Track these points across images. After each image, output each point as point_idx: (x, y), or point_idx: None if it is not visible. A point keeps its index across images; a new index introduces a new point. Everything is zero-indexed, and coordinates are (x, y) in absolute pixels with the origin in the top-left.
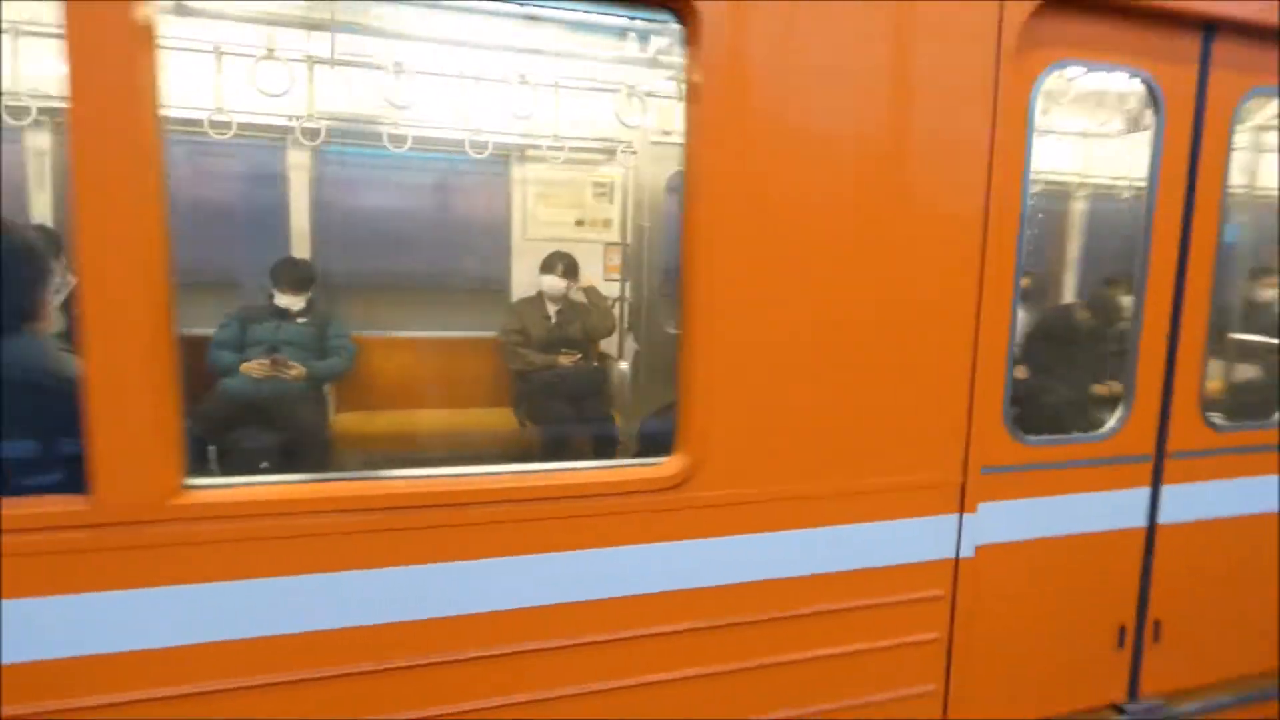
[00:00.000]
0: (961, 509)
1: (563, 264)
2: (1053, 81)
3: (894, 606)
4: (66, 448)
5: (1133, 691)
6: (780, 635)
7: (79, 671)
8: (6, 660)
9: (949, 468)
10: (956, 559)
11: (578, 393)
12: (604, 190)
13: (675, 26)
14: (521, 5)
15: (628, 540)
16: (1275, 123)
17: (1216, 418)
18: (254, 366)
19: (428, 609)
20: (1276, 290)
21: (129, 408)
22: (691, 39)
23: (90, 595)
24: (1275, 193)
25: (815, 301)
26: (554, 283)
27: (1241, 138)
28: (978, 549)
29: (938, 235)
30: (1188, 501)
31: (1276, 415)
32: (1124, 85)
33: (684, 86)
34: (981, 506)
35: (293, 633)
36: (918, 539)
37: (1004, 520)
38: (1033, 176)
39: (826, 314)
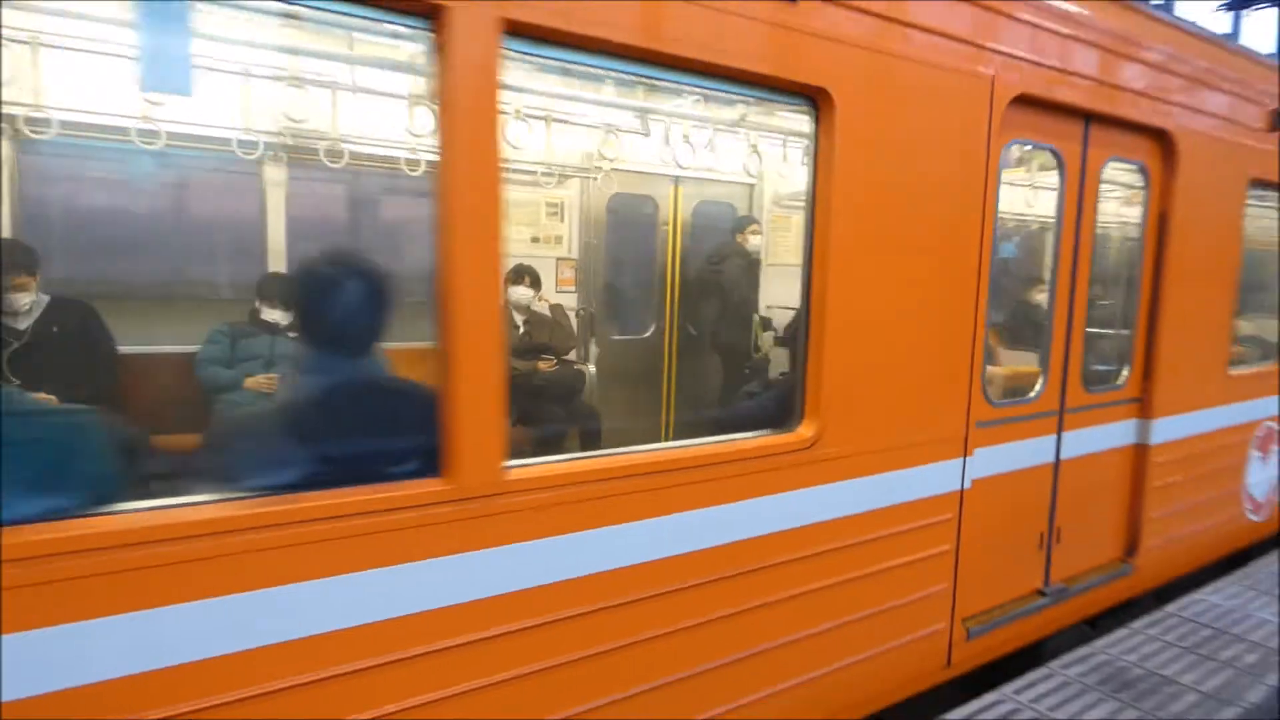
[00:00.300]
0: (965, 453)
1: (528, 275)
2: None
3: (927, 528)
4: (417, 441)
5: (1047, 579)
6: (862, 555)
7: (451, 619)
8: (395, 614)
9: (959, 424)
10: (961, 490)
11: (562, 393)
12: (555, 210)
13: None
14: (693, 86)
15: (779, 490)
16: (1126, 178)
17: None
18: (261, 381)
19: (673, 549)
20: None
21: (478, 407)
22: (824, 121)
23: (448, 558)
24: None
25: (891, 317)
26: (523, 293)
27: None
28: (973, 481)
29: (959, 263)
30: (1075, 443)
31: (1118, 381)
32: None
33: (812, 153)
34: (976, 451)
35: (585, 575)
36: (942, 476)
37: (985, 460)
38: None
39: (897, 325)
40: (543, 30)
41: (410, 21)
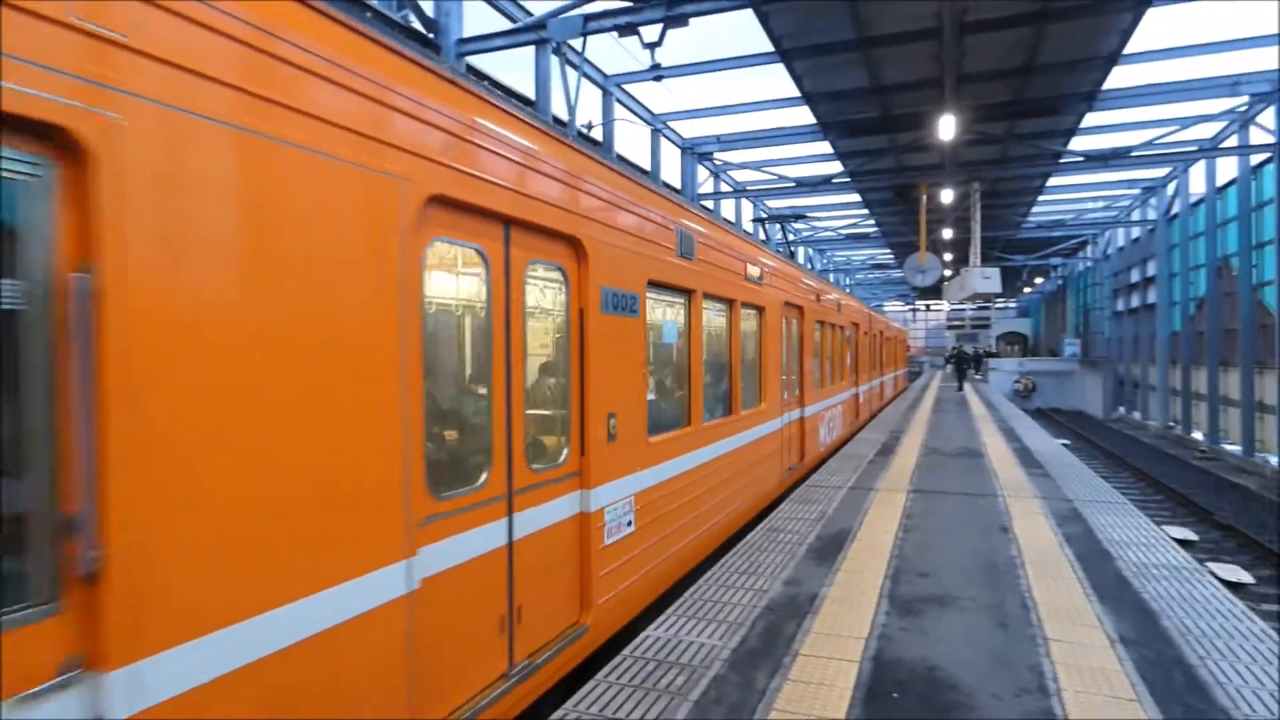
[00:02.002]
0: (781, 415)
1: None
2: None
3: (783, 435)
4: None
5: (787, 462)
6: (779, 441)
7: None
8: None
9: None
10: (784, 425)
11: None
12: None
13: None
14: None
15: (764, 421)
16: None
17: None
18: None
19: (734, 446)
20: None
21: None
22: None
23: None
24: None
25: (772, 372)
26: None
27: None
28: (783, 424)
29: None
30: (782, 421)
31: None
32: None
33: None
34: (784, 416)
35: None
36: (781, 421)
37: (781, 420)
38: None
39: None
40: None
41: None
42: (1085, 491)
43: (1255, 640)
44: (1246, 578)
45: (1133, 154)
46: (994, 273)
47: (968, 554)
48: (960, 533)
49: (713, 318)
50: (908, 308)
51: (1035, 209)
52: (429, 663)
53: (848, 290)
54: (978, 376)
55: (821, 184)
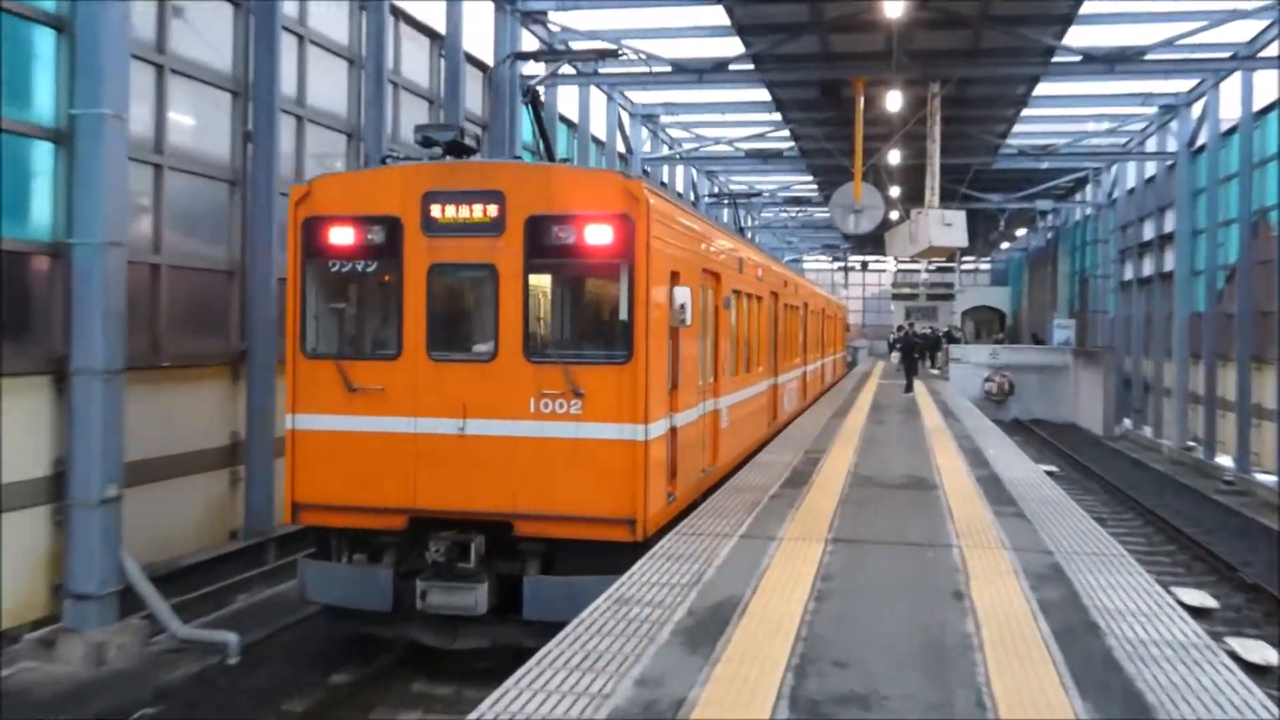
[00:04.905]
0: (775, 375)
1: None
2: None
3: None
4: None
5: (776, 416)
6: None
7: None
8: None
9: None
10: (776, 385)
11: None
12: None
13: None
14: None
15: (760, 380)
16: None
17: None
18: None
19: (747, 394)
20: None
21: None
22: None
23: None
24: None
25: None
26: None
27: None
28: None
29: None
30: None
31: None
32: None
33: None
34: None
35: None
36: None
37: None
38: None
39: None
40: None
41: None
42: (1072, 540)
43: None
44: (1275, 658)
45: (1147, 56)
46: (958, 217)
47: (905, 632)
48: (897, 601)
49: (742, 305)
50: (835, 265)
51: (1017, 129)
52: (707, 445)
53: (753, 238)
54: (934, 370)
55: (712, 71)
